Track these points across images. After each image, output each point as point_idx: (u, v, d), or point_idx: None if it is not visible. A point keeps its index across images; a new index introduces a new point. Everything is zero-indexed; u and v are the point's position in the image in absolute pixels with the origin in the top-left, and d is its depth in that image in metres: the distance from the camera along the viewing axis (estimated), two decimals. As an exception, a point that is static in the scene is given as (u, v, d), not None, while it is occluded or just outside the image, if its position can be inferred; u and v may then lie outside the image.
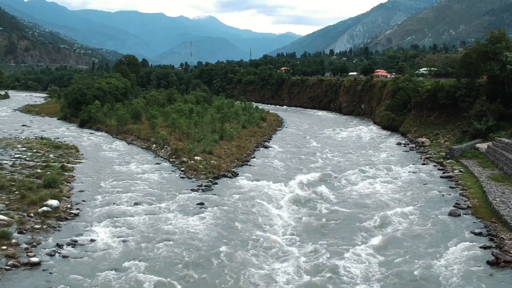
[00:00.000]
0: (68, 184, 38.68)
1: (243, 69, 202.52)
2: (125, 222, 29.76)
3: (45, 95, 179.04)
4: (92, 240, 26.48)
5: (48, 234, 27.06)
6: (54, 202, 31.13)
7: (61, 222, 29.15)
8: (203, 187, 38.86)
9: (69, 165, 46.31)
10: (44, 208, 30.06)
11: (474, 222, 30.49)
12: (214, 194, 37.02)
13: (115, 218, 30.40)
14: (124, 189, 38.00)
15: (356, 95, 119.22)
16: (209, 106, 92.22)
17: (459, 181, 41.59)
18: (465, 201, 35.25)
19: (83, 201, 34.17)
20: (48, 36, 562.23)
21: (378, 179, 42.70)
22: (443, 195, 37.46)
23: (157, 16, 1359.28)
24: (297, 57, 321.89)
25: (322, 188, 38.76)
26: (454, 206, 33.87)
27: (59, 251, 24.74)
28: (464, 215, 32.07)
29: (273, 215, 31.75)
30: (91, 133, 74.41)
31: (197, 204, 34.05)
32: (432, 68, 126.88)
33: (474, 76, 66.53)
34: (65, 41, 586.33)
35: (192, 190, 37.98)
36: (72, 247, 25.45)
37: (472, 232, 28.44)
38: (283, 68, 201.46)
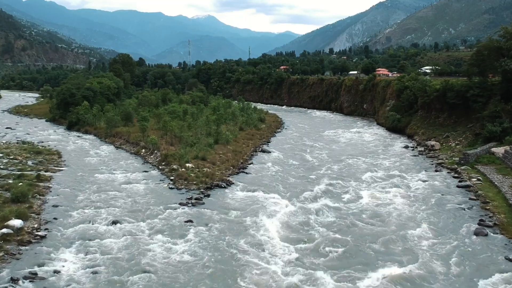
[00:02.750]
0: (42, 197, 34.38)
1: (241, 68, 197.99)
2: (99, 246, 25.46)
3: (38, 95, 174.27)
4: (55, 272, 22.21)
5: (4, 264, 22.78)
6: (17, 222, 26.79)
7: (23, 248, 24.85)
8: (193, 201, 34.52)
9: (47, 173, 42.00)
10: (4, 230, 25.72)
11: (506, 244, 26.29)
12: (205, 209, 32.71)
13: (88, 241, 26.11)
14: (104, 203, 33.69)
15: (358, 94, 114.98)
16: (205, 106, 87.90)
17: (479, 192, 37.36)
18: (490, 216, 31.04)
19: (55, 218, 29.85)
20: (46, 35, 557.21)
21: (389, 190, 38.42)
22: (464, 209, 33.22)
23: (156, 16, 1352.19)
24: (296, 56, 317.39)
25: (326, 202, 34.50)
26: (479, 224, 29.65)
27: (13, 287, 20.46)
28: (492, 235, 27.85)
29: (271, 237, 27.38)
30: (78, 136, 69.95)
31: (185, 221, 29.75)
32: (435, 67, 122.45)
33: (486, 74, 62.39)
34: (63, 40, 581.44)
35: (181, 204, 33.65)
36: (30, 281, 21.19)
37: (507, 259, 24.22)
38: (282, 67, 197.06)
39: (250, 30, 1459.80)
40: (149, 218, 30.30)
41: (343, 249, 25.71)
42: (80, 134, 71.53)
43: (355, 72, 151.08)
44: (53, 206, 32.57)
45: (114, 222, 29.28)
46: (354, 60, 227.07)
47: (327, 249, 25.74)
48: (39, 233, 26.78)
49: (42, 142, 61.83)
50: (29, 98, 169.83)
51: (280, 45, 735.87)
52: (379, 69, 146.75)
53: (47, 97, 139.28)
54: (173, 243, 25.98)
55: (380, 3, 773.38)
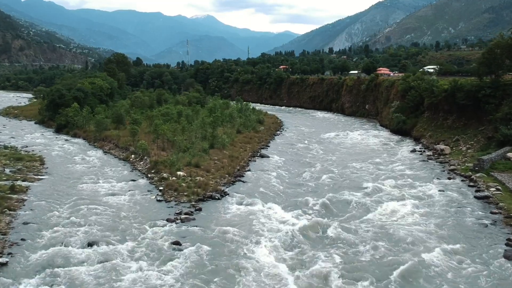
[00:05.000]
0: (12, 212, 30.64)
1: (240, 68, 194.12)
2: (68, 276, 21.72)
3: (31, 95, 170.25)
4: (10, 313, 18.53)
5: (-50, 301, 19.12)
6: (-26, 247, 23.12)
7: (-22, 279, 21.15)
8: (182, 216, 30.74)
9: (23, 183, 38.26)
10: (-43, 258, 22.05)
11: (543, 272, 22.56)
12: (196, 226, 28.97)
13: (56, 269, 22.38)
14: (83, 219, 29.92)
15: (360, 95, 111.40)
16: (202, 108, 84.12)
17: (500, 204, 33.71)
18: (518, 235, 27.36)
19: (22, 239, 26.13)
20: (44, 35, 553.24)
21: (400, 202, 34.63)
22: (487, 226, 29.52)
23: (155, 15, 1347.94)
24: (295, 55, 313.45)
25: (332, 218, 30.72)
26: (507, 244, 25.99)
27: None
28: (524, 259, 24.14)
29: (269, 262, 23.66)
30: (66, 140, 66.03)
31: (172, 243, 25.99)
32: (439, 66, 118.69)
33: (498, 73, 58.87)
34: (61, 40, 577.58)
35: (168, 220, 29.89)
36: (-23, 326, 17.51)
37: (548, 292, 20.56)
38: (281, 66, 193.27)
39: (250, 30, 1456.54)
40: (131, 239, 26.57)
41: (353, 280, 21.93)
42: (69, 138, 67.62)
43: (356, 71, 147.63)
44: (24, 223, 28.86)
45: (90, 244, 25.53)
46: (354, 60, 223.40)
47: (333, 278, 22.03)
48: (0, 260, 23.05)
49: (26, 146, 58.09)
50: (23, 98, 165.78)
51: (280, 44, 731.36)
52: (380, 68, 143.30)
53: (40, 97, 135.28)
54: (155, 272, 22.22)
55: (379, 2, 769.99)
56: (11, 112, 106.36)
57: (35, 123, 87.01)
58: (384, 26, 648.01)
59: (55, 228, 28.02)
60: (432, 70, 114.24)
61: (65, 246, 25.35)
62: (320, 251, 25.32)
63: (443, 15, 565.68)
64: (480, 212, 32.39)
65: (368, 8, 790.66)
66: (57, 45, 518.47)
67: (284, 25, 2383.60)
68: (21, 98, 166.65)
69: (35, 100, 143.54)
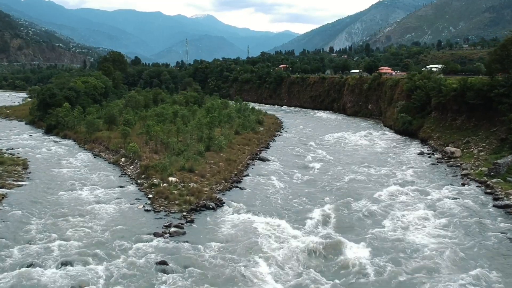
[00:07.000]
0: (-18, 225, 27.44)
1: (239, 67, 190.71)
2: (32, 306, 18.54)
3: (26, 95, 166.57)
4: None
5: None
6: None
7: None
8: (171, 229, 27.46)
9: (0, 191, 35.00)
10: None
11: None
12: (186, 242, 25.70)
13: (19, 297, 19.19)
14: (59, 233, 26.72)
15: (362, 94, 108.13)
16: (199, 108, 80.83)
17: (524, 214, 30.54)
18: (550, 252, 24.16)
19: (-13, 259, 22.94)
20: (44, 35, 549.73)
21: (412, 213, 31.30)
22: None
23: (154, 15, 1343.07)
24: (296, 55, 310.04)
25: (339, 232, 27.42)
26: (540, 265, 22.80)
27: None
28: None
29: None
30: (55, 141, 62.71)
31: (157, 263, 22.73)
32: (442, 66, 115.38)
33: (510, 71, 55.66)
34: (60, 39, 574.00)
35: (156, 234, 26.64)
36: None
37: None
38: (281, 66, 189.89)
39: (249, 29, 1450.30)
40: (111, 257, 23.32)
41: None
42: (58, 139, 64.30)
43: (357, 71, 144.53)
44: (-8, 238, 25.66)
45: (64, 264, 22.32)
46: (355, 59, 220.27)
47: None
48: (-46, 286, 19.89)
49: (12, 148, 54.81)
50: (18, 98, 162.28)
51: (279, 44, 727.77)
52: (382, 67, 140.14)
53: (35, 97, 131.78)
54: (135, 301, 19.04)
55: (379, 2, 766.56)
56: (3, 112, 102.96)
57: (26, 123, 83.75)
58: (385, 25, 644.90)
59: (26, 245, 24.85)
60: (435, 69, 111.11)
61: (33, 267, 22.10)
62: (328, 274, 22.06)
63: (443, 15, 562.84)
64: (502, 224, 29.21)
65: (368, 8, 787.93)
66: (56, 45, 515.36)
67: (284, 25, 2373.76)
68: (16, 98, 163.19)
69: (29, 99, 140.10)
